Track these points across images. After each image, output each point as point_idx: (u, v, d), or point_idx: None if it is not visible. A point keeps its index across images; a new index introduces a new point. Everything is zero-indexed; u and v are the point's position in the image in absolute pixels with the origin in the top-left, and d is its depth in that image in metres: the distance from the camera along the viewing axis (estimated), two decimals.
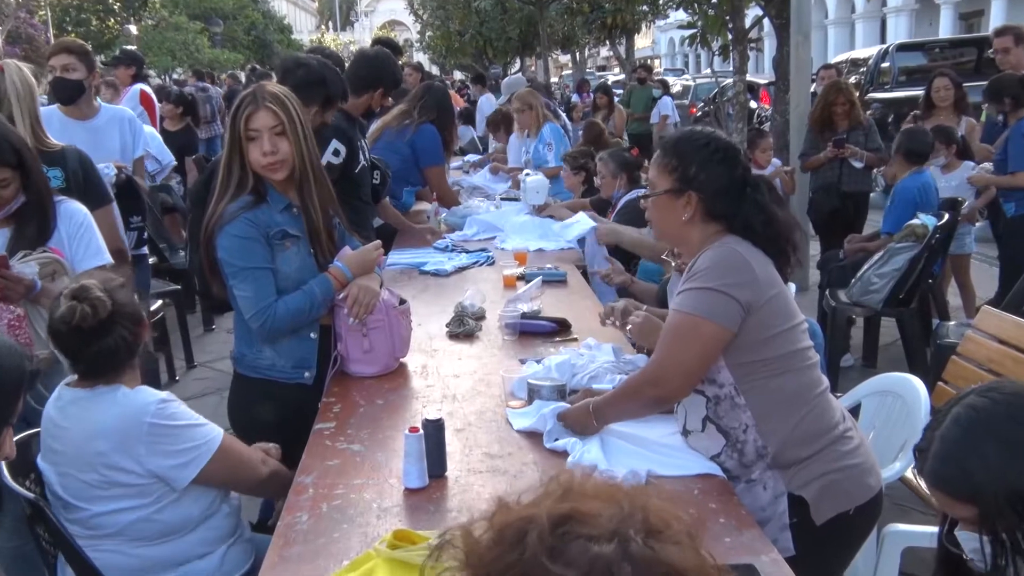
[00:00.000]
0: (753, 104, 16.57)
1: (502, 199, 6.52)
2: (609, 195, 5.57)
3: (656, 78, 17.54)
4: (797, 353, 2.33)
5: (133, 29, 32.30)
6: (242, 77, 21.57)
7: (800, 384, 2.32)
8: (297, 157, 2.87)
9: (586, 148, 6.88)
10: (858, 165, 6.86)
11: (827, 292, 6.03)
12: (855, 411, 3.29)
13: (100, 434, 2.26)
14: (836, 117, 6.99)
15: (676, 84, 22.96)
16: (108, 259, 3.00)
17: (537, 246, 5.17)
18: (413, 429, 2.32)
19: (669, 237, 2.46)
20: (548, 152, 7.07)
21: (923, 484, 1.84)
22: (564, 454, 2.44)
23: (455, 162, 8.95)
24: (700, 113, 18.69)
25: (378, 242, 3.13)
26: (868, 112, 12.04)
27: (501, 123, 8.55)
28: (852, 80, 13.95)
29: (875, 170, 7.26)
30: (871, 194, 7.59)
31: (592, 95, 12.11)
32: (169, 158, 6.75)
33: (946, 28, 27.54)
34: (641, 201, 2.59)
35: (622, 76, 26.06)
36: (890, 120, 12.03)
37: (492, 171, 7.91)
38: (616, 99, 15.24)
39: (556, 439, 2.49)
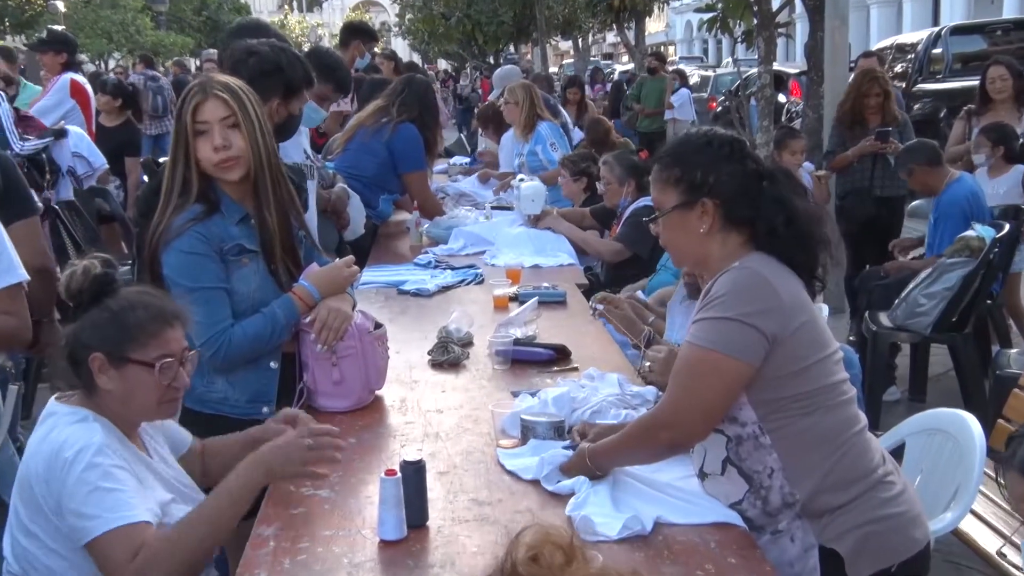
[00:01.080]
0: (782, 98, 16.62)
1: (493, 208, 6.55)
2: (614, 204, 5.62)
3: (671, 67, 17.58)
4: (830, 387, 2.34)
5: (60, 5, 31.69)
6: (191, 65, 21.44)
7: (834, 422, 2.33)
8: (253, 155, 2.88)
9: (588, 151, 6.91)
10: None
11: (867, 315, 5.99)
12: (898, 452, 3.31)
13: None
14: (868, 111, 6.99)
15: (693, 75, 23.02)
16: (22, 276, 2.97)
17: (533, 262, 5.22)
18: (390, 472, 2.33)
19: (691, 259, 2.48)
20: (554, 153, 7.11)
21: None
22: (564, 500, 2.45)
23: (439, 165, 8.94)
24: (720, 108, 18.77)
25: (351, 257, 3.12)
26: (916, 107, 12.13)
27: (492, 119, 8.58)
28: (898, 69, 13.95)
29: None
30: (908, 200, 7.56)
31: (572, 89, 11.56)
32: (101, 160, 6.77)
33: (1011, 8, 27.50)
34: (652, 227, 2.64)
35: (631, 65, 26.24)
36: (942, 116, 12.02)
37: (481, 179, 7.91)
38: (627, 91, 15.44)
39: (559, 481, 2.52)
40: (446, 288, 4.71)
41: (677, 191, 2.37)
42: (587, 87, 16.90)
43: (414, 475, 2.37)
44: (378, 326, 3.16)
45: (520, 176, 6.53)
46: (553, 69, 34.88)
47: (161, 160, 3.27)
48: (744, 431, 2.36)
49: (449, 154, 10.69)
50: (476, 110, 12.10)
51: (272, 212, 2.91)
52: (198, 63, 20.36)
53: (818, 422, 2.30)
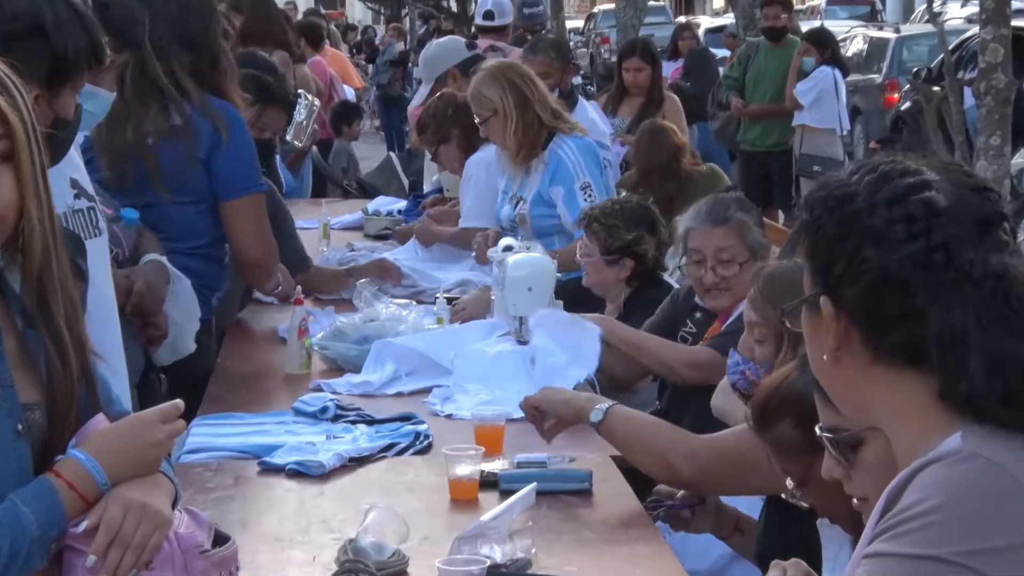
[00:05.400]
0: None
1: (448, 298, 4.82)
2: (722, 307, 4.02)
3: (802, 26, 11.32)
4: None
5: None
6: None
7: None
8: (27, 211, 2.28)
9: (639, 200, 4.75)
10: None
11: None
12: None
13: None
14: None
15: (851, 37, 15.18)
16: None
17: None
18: None
19: (829, 412, 2.05)
20: (586, 202, 4.91)
21: None
22: None
23: (342, 216, 6.39)
24: (907, 104, 12.38)
25: (175, 404, 2.37)
26: None
27: (441, 128, 5.85)
28: None
29: None
30: None
31: (632, 61, 7.79)
32: None
33: None
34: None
35: (727, 18, 18.46)
36: None
37: (423, 239, 5.54)
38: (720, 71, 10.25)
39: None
40: (357, 461, 3.58)
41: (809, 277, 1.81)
42: (665, 62, 10.67)
43: None
44: (221, 540, 2.47)
45: (506, 240, 4.67)
46: (574, 24, 26.62)
47: None
48: None
49: (365, 190, 7.77)
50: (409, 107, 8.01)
51: (60, 319, 2.29)
52: None
53: None
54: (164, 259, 3.83)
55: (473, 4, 23.73)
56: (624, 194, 4.76)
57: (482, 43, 7.51)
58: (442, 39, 7.37)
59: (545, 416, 3.20)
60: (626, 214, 4.49)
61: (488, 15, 8.06)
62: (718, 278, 3.65)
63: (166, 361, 3.89)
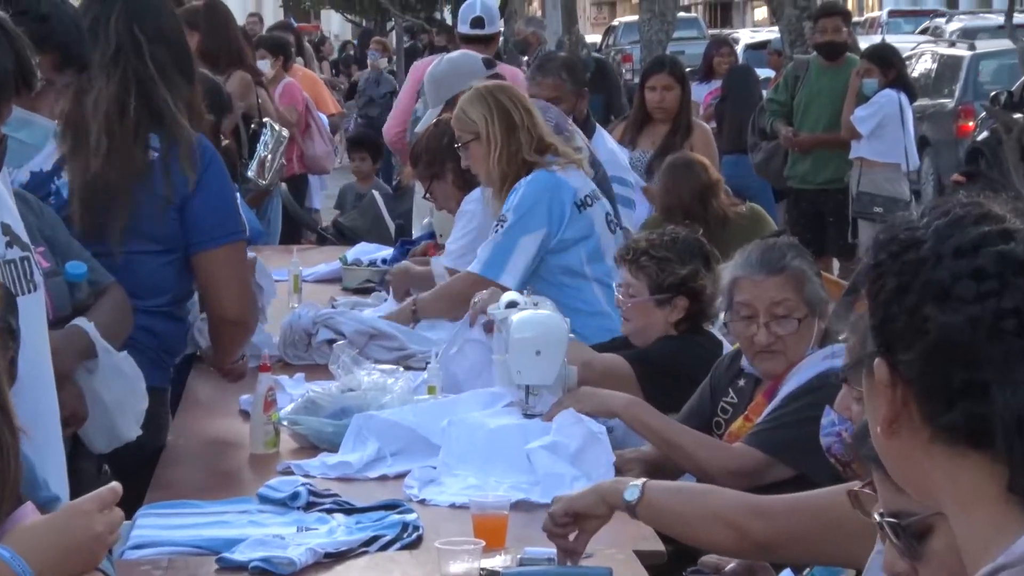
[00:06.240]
0: None
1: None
2: (774, 372, 3.74)
3: (861, 39, 10.07)
4: None
5: None
6: None
7: None
8: None
9: (687, 231, 4.42)
10: None
11: None
12: None
13: None
14: None
15: (917, 54, 13.52)
16: None
17: (524, 493, 3.59)
18: None
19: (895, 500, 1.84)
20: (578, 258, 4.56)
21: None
22: None
23: (317, 267, 5.85)
24: (984, 134, 11.26)
25: (112, 488, 2.32)
26: None
27: (437, 160, 5.42)
28: None
29: None
30: None
31: (658, 78, 6.96)
32: None
33: None
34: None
35: (772, 33, 16.76)
36: None
37: (395, 286, 5.11)
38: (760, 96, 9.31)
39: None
40: (335, 557, 3.29)
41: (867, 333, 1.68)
42: (697, 83, 10.12)
43: None
44: None
45: (509, 295, 4.23)
46: (593, 39, 24.68)
47: None
48: None
49: (344, 234, 7.20)
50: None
51: None
52: None
53: None
54: (88, 327, 3.43)
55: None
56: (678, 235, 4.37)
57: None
58: (454, 55, 6.50)
59: (568, 522, 2.82)
60: (678, 246, 4.14)
61: (477, 22, 7.26)
62: (772, 337, 3.33)
63: (103, 448, 3.55)
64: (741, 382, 3.67)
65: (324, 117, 9.20)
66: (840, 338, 3.02)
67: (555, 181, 4.65)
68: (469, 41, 7.28)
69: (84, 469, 3.48)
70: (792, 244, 3.87)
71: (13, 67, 2.75)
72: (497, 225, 4.61)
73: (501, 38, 8.70)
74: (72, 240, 3.27)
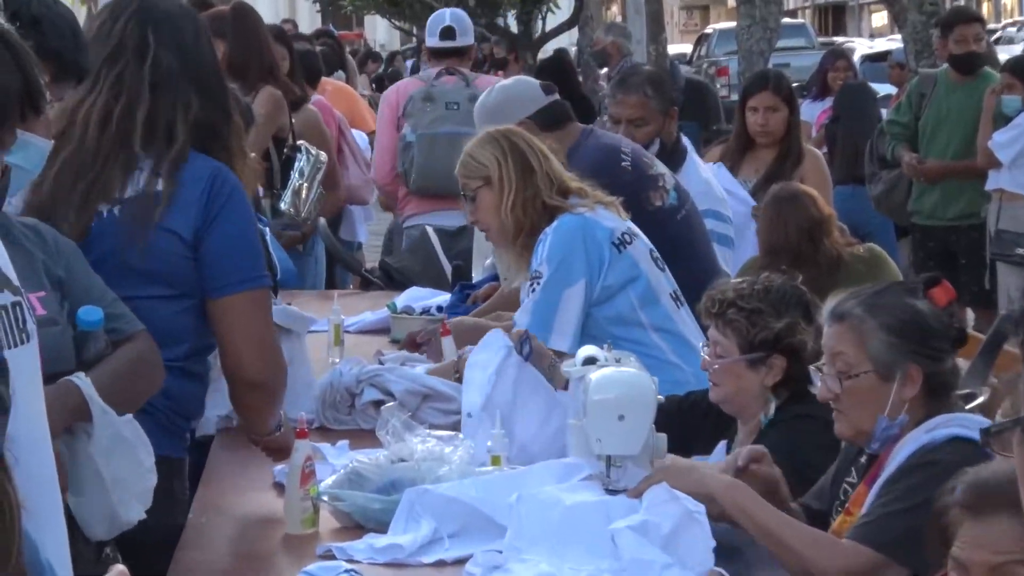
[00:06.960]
0: None
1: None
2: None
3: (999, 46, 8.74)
4: None
5: None
6: None
7: None
8: None
9: (783, 278, 4.04)
10: None
11: None
12: None
13: None
14: None
15: None
16: None
17: None
18: None
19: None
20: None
21: None
22: None
23: (359, 317, 5.57)
24: None
25: (118, 569, 2.34)
26: None
27: None
28: None
29: None
30: None
31: (759, 97, 6.38)
32: None
33: None
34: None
35: (894, 41, 15.91)
36: None
37: (458, 343, 4.63)
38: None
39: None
40: None
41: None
42: (808, 98, 9.57)
43: None
44: None
45: (588, 350, 3.90)
46: (683, 48, 22.84)
47: None
48: None
49: (393, 278, 6.48)
50: None
51: None
52: None
53: None
54: (82, 382, 3.16)
55: (541, 22, 21.01)
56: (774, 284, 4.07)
57: (434, 68, 6.69)
58: (507, 82, 6.00)
59: None
60: (772, 295, 3.79)
61: (447, 33, 6.90)
62: (826, 392, 3.05)
63: (102, 536, 3.25)
64: (863, 459, 3.31)
65: (363, 137, 8.46)
66: (967, 406, 2.88)
67: (585, 223, 4.40)
68: (440, 55, 6.90)
69: (79, 553, 3.14)
70: (901, 284, 3.62)
71: (19, 88, 2.64)
72: (532, 284, 4.35)
73: (575, 48, 8.14)
74: (94, 279, 3.06)
